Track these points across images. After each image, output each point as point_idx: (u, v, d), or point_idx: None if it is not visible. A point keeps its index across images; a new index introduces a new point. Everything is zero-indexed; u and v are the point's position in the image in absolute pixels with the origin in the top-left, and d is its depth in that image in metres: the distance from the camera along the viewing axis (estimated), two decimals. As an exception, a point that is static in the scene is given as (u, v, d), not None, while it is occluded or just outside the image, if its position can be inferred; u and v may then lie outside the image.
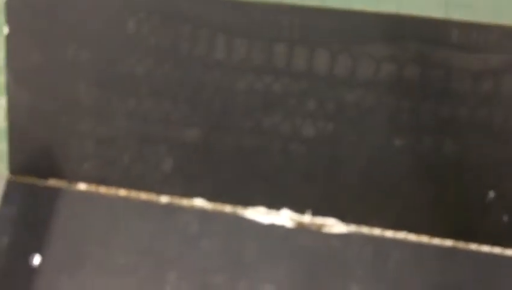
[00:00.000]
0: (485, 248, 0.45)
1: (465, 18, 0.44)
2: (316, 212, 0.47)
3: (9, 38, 0.52)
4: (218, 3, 0.48)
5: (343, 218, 0.47)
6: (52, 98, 0.51)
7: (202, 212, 0.49)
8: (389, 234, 0.46)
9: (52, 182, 0.52)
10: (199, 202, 0.49)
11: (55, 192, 0.51)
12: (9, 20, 0.51)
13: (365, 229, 0.47)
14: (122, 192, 0.50)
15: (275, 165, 0.48)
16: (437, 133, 0.45)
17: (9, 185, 0.52)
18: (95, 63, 0.50)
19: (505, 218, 0.45)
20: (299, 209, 0.48)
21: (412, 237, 0.46)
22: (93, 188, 0.51)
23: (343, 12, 0.46)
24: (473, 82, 0.44)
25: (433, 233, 0.45)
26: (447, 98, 0.45)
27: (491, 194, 0.45)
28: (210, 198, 0.49)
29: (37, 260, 0.50)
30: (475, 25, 0.44)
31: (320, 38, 0.46)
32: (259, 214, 0.48)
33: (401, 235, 0.46)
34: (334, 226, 0.47)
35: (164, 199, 0.50)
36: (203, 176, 0.49)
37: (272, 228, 0.48)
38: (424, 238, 0.46)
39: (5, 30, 0.52)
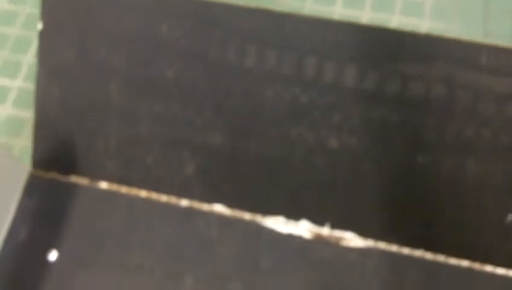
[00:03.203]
0: (501, 271, 0.49)
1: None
2: (334, 225, 0.51)
3: (42, 33, 0.56)
4: (250, 12, 0.53)
5: (362, 232, 0.51)
6: (81, 96, 0.56)
7: (221, 218, 0.53)
8: (406, 251, 0.50)
9: (74, 179, 0.56)
10: (219, 208, 0.53)
11: (77, 189, 0.56)
12: (44, 16, 0.57)
13: (382, 245, 0.50)
14: (143, 193, 0.55)
15: (297, 176, 0.52)
16: (460, 154, 0.49)
17: (32, 178, 0.57)
18: (126, 64, 0.55)
19: (523, 242, 0.49)
20: (318, 221, 0.51)
21: (429, 255, 0.50)
22: (114, 187, 0.55)
23: (374, 29, 0.51)
24: (498, 105, 0.48)
25: (449, 253, 0.49)
26: (472, 120, 0.48)
27: (510, 217, 0.48)
28: (230, 204, 0.53)
29: (53, 255, 0.54)
30: (504, 49, 0.48)
31: (350, 54, 0.51)
32: (278, 224, 0.52)
33: (418, 253, 0.50)
34: (352, 240, 0.51)
35: (184, 202, 0.54)
36: (224, 182, 0.53)
37: (290, 238, 0.51)
38: (441, 258, 0.49)
39: (39, 26, 0.56)
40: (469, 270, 0.49)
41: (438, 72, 0.49)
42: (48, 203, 0.56)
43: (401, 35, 0.50)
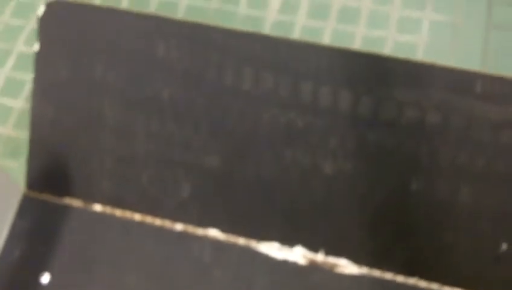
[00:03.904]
0: (494, 300, 0.49)
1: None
2: (329, 252, 0.52)
3: (39, 54, 0.57)
4: (247, 36, 0.53)
5: (356, 259, 0.51)
6: (76, 115, 0.57)
7: (215, 242, 0.53)
8: (400, 279, 0.51)
9: (68, 201, 0.57)
10: (213, 232, 0.54)
11: (70, 211, 0.56)
12: (41, 37, 0.57)
13: (377, 273, 0.51)
14: (138, 216, 0.55)
15: (292, 200, 0.52)
16: (453, 180, 0.49)
17: (25, 200, 0.57)
18: (122, 83, 0.56)
19: (517, 272, 0.49)
20: (313, 247, 0.52)
21: (423, 283, 0.50)
22: (108, 209, 0.56)
23: (370, 55, 0.51)
24: (492, 132, 0.48)
25: (443, 281, 0.50)
26: (466, 147, 0.49)
27: (504, 246, 0.49)
28: (224, 229, 0.54)
29: (46, 278, 0.54)
30: (498, 78, 0.48)
31: (345, 79, 0.51)
32: (272, 249, 0.53)
33: (412, 281, 0.50)
34: (346, 267, 0.51)
35: (179, 226, 0.54)
36: (219, 206, 0.54)
37: (285, 264, 0.52)
38: (435, 286, 0.50)
39: (36, 46, 0.57)
40: (463, 299, 0.50)
41: (432, 98, 0.50)
42: (41, 225, 0.56)
43: (396, 62, 0.51)
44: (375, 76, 0.50)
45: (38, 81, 0.56)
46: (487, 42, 0.64)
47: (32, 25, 0.68)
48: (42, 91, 0.56)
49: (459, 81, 0.49)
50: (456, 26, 0.64)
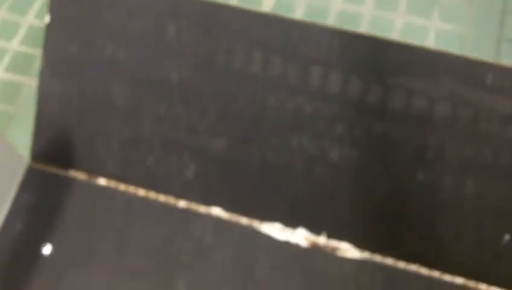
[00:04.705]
0: (495, 290, 0.49)
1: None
2: (331, 235, 0.52)
3: (49, 27, 0.57)
4: (258, 17, 0.53)
5: (358, 244, 0.51)
6: (84, 92, 0.56)
7: (218, 221, 0.53)
8: (401, 265, 0.51)
9: (73, 173, 0.56)
10: (216, 211, 0.54)
11: (75, 184, 0.56)
12: (52, 10, 0.57)
13: (378, 258, 0.51)
14: (141, 192, 0.55)
15: (297, 184, 0.52)
16: (459, 172, 0.50)
17: (30, 171, 0.57)
18: (131, 64, 0.55)
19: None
20: (315, 230, 0.52)
21: (424, 270, 0.50)
22: (112, 184, 0.56)
23: (381, 41, 0.51)
24: (500, 125, 0.49)
25: (445, 269, 0.50)
26: (473, 139, 0.49)
27: (507, 237, 0.49)
28: (227, 208, 0.54)
29: (47, 249, 0.54)
30: (509, 69, 0.49)
31: (356, 65, 0.51)
32: (275, 230, 0.53)
33: (413, 267, 0.51)
34: (348, 250, 0.51)
35: (182, 203, 0.54)
36: (223, 186, 0.54)
37: (287, 245, 0.52)
38: (435, 273, 0.50)
39: (46, 19, 0.57)
40: (463, 288, 0.49)
41: (442, 89, 0.50)
42: (44, 197, 0.56)
43: (408, 49, 0.51)
44: (386, 63, 0.50)
45: (47, 55, 0.56)
46: (498, 56, 0.63)
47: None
48: (51, 65, 0.56)
49: (471, 72, 0.49)
50: (464, 36, 0.63)
